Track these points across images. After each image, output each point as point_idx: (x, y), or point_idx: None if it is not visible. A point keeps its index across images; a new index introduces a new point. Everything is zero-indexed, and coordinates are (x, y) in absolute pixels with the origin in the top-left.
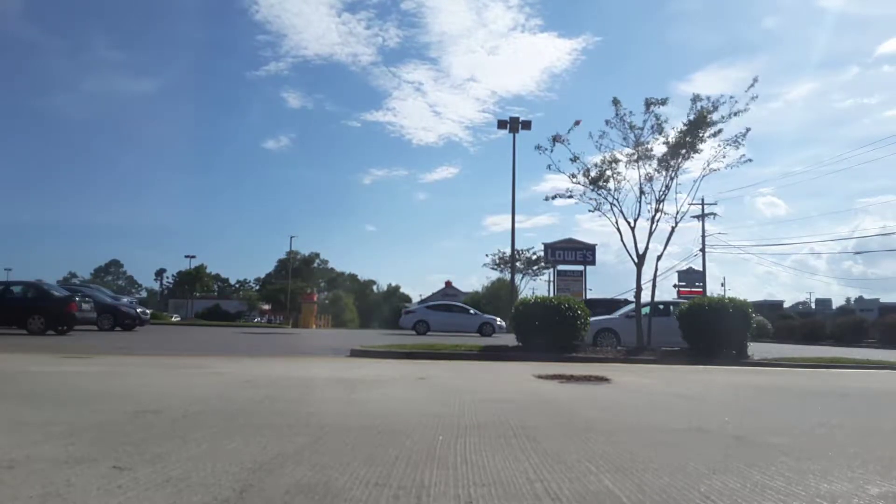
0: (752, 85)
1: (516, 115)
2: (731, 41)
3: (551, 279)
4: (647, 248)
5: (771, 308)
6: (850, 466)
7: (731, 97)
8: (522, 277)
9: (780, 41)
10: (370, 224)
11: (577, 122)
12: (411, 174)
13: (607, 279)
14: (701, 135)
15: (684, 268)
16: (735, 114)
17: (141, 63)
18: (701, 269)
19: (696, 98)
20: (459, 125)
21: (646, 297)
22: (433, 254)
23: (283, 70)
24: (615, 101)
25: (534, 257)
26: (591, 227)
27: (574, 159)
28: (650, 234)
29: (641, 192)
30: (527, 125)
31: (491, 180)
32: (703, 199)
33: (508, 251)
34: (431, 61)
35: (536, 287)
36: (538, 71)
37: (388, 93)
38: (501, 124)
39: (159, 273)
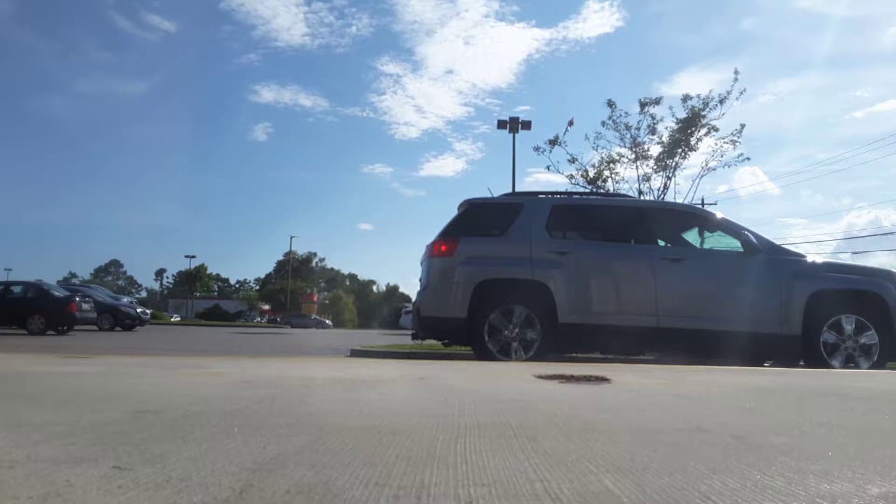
0: (736, 79)
1: (516, 116)
2: (712, 42)
3: None
4: None
5: None
6: (851, 466)
7: (720, 94)
8: None
9: (761, 42)
10: (367, 223)
11: (570, 123)
12: (400, 171)
13: None
14: (694, 132)
15: None
16: (721, 101)
17: (129, 64)
18: None
19: (686, 97)
20: (442, 119)
21: None
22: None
23: (255, 62)
24: (610, 103)
25: None
26: None
27: (572, 160)
28: None
29: (640, 193)
30: (527, 125)
31: (483, 178)
32: (702, 199)
33: None
34: (407, 52)
35: None
36: (516, 63)
37: (367, 86)
38: (501, 124)
39: (159, 273)
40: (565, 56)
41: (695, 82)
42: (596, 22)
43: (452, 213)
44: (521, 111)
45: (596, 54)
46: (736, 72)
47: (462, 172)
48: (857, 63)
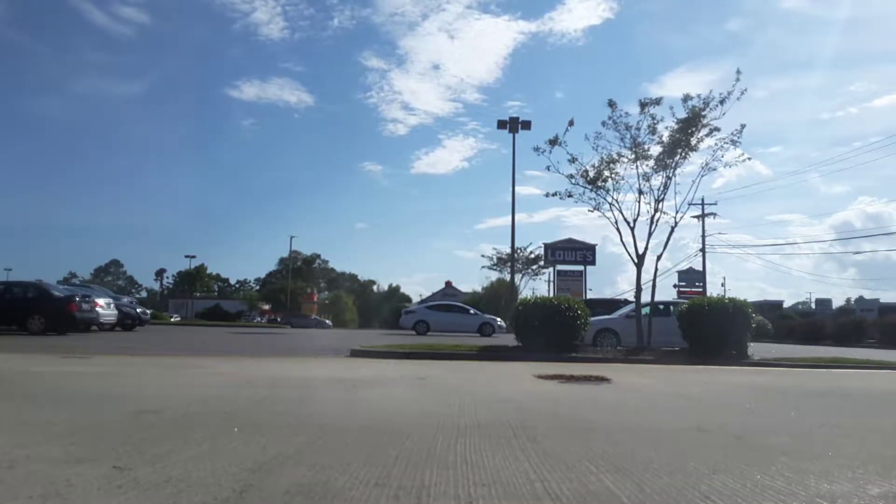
0: (738, 79)
1: (516, 116)
2: (697, 43)
3: (551, 279)
4: (646, 248)
5: (771, 308)
6: (850, 466)
7: (721, 94)
8: (522, 277)
9: (747, 43)
10: (362, 223)
11: (570, 124)
12: (391, 169)
13: (591, 280)
14: (694, 132)
15: (684, 268)
16: (722, 101)
17: (119, 63)
18: (701, 269)
19: (686, 97)
20: (431, 116)
21: (645, 297)
22: (432, 254)
23: (239, 58)
24: (611, 103)
25: (532, 256)
26: (576, 223)
27: (572, 160)
28: (650, 234)
29: (640, 193)
30: (526, 125)
31: (476, 175)
32: (703, 199)
33: (493, 250)
34: (390, 46)
35: (536, 287)
36: (502, 57)
37: (352, 81)
38: (501, 124)
39: (159, 273)
40: (552, 50)
41: (683, 83)
42: (581, 13)
43: (447, 211)
44: (511, 107)
45: (583, 47)
46: (738, 72)
47: (455, 170)
48: (848, 61)
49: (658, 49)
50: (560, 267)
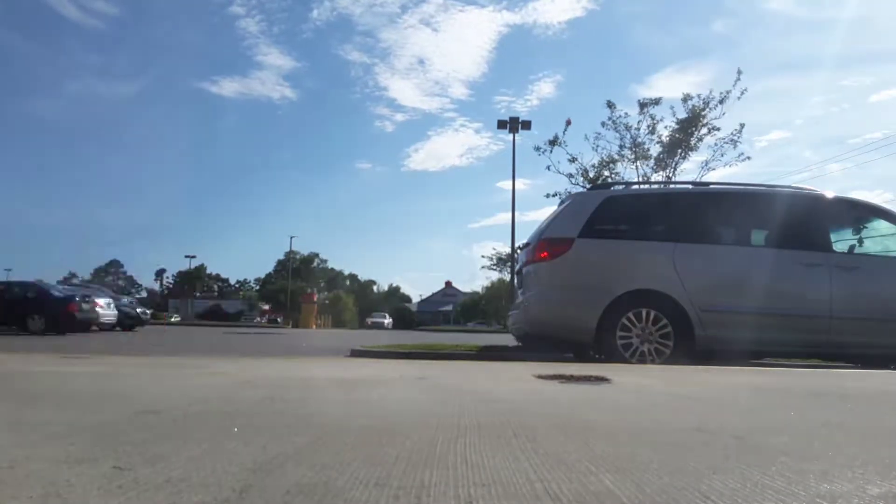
0: (738, 78)
1: (516, 116)
2: (685, 44)
3: None
4: None
5: None
6: (851, 467)
7: (721, 93)
8: None
9: (734, 44)
10: (358, 221)
11: (568, 123)
12: (384, 167)
13: None
14: (694, 132)
15: None
16: (722, 101)
17: (107, 61)
18: None
19: (686, 97)
20: (419, 112)
21: None
22: (433, 254)
23: (225, 53)
24: (610, 104)
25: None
26: None
27: (572, 160)
28: None
29: None
30: (527, 125)
31: (470, 173)
32: None
33: (493, 250)
34: (375, 39)
35: None
36: (487, 51)
37: (338, 79)
38: (501, 124)
39: (159, 273)
40: (536, 44)
41: (673, 84)
42: (564, 4)
43: (441, 209)
44: (499, 102)
45: (568, 40)
46: (739, 72)
47: (445, 167)
48: (842, 59)
49: (644, 45)
50: None
